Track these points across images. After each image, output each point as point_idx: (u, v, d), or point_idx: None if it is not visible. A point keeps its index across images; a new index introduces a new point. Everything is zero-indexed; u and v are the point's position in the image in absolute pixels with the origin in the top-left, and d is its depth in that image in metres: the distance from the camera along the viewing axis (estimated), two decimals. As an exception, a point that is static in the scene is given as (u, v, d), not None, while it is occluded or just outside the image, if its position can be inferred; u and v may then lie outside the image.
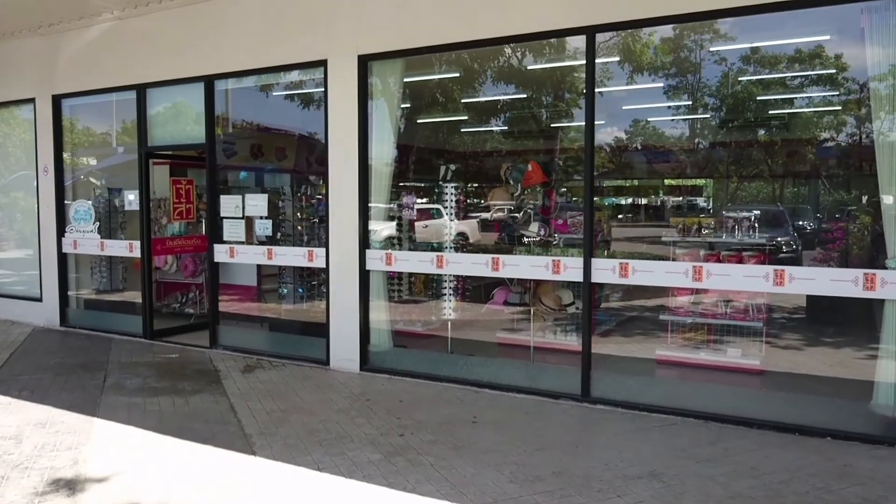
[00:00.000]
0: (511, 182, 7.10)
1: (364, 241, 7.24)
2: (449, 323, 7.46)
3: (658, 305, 7.95)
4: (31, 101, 9.96)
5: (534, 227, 6.87)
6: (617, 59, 7.87)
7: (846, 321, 7.62)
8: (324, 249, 7.53)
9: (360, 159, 7.17)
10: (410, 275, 7.77)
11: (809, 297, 7.33)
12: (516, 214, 6.98)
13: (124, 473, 4.67)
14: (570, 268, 6.16)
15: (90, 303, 10.09)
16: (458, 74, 8.34)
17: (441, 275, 7.30)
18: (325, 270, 7.57)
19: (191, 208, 9.62)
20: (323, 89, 7.39)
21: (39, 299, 10.13)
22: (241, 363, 7.79)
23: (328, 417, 5.88)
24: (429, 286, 7.71)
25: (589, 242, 6.06)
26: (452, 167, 7.37)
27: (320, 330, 7.82)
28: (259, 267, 9.33)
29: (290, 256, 7.80)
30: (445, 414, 5.95)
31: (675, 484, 4.44)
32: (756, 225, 7.08)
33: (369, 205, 7.27)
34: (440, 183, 7.29)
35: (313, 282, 8.39)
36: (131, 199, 9.14)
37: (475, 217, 9.53)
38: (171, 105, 8.81)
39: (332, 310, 7.45)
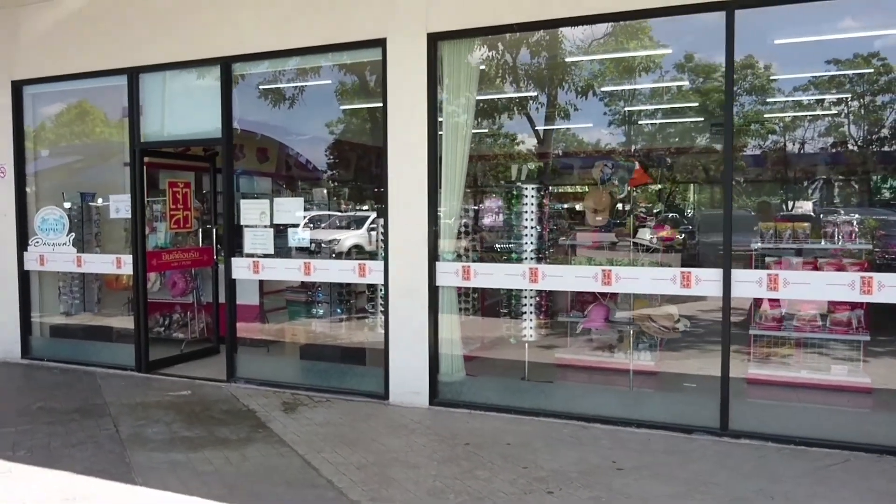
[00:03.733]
0: (617, 183, 6.18)
1: (433, 253, 6.14)
2: (526, 345, 6.44)
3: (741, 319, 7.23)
4: (-17, 87, 8.28)
5: (644, 233, 5.97)
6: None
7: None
8: (380, 263, 6.38)
9: (430, 157, 6.08)
10: (480, 291, 6.71)
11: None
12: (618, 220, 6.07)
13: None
14: (704, 280, 5.30)
15: (59, 330, 8.45)
16: (543, 58, 7.35)
17: (521, 290, 6.27)
18: (380, 288, 6.44)
19: (188, 216, 8.20)
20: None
21: (-7, 326, 8.41)
22: (275, 400, 6.51)
23: (437, 471, 4.76)
24: (501, 303, 6.66)
25: (728, 251, 5.21)
26: (530, 166, 6.38)
27: (372, 357, 6.68)
28: (261, 283, 8.02)
29: (336, 271, 6.60)
30: (574, 459, 4.94)
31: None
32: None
33: (439, 210, 6.19)
34: (518, 184, 6.27)
35: (350, 300, 7.17)
36: (119, 205, 7.64)
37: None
38: (174, 93, 7.40)
39: (393, 334, 6.30)
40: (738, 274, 5.21)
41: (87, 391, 6.90)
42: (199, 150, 8.91)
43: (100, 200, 8.60)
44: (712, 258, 6.87)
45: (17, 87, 8.10)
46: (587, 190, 6.61)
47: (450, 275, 6.11)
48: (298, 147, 10.35)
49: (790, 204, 10.72)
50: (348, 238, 8.67)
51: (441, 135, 6.15)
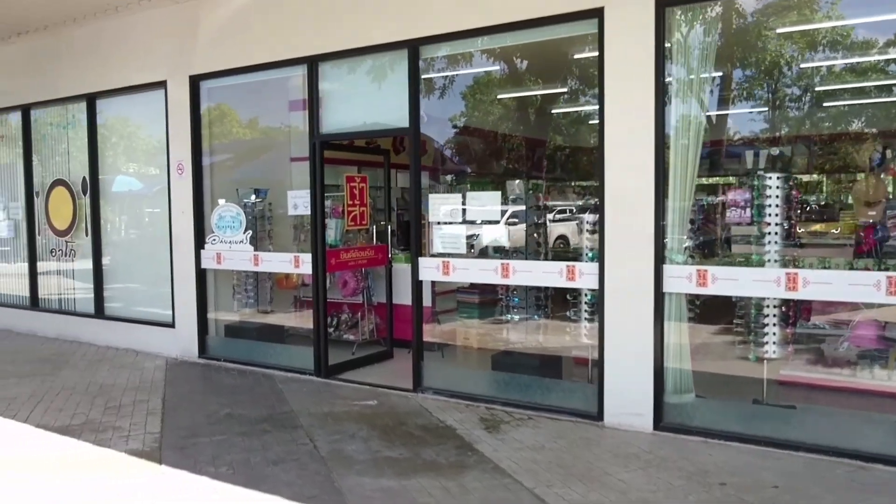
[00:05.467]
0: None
1: (660, 254, 5.29)
2: (765, 363, 5.46)
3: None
4: (162, 84, 8.19)
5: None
6: None
7: None
8: (592, 265, 5.60)
9: (657, 144, 5.23)
10: (708, 298, 5.78)
11: None
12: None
13: None
14: None
15: (234, 329, 8.27)
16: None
17: (762, 298, 5.29)
18: (586, 293, 5.67)
19: (364, 212, 7.77)
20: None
21: (171, 325, 8.34)
22: (470, 415, 5.89)
23: (704, 520, 3.93)
24: (732, 310, 5.69)
25: None
26: (774, 151, 5.38)
27: (577, 371, 5.95)
28: (433, 283, 7.43)
29: (539, 273, 5.87)
30: (874, 513, 3.97)
31: None
32: None
33: (666, 205, 5.32)
34: (760, 173, 5.29)
35: (547, 305, 6.42)
36: (297, 202, 7.28)
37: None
38: (355, 81, 6.93)
39: (609, 346, 5.51)
40: None
41: (271, 397, 6.56)
42: (361, 143, 8.49)
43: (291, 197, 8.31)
44: None
45: (195, 82, 7.95)
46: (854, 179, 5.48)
47: (680, 280, 5.23)
48: (463, 137, 9.74)
49: None
50: (486, 233, 7.88)
51: (670, 118, 5.28)
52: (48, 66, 9.38)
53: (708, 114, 5.43)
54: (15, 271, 10.50)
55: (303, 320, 8.58)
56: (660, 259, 5.28)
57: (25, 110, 9.88)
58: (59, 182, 9.58)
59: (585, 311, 6.00)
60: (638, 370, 5.37)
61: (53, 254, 9.86)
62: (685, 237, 5.36)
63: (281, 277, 8.39)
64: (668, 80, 5.27)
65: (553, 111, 8.27)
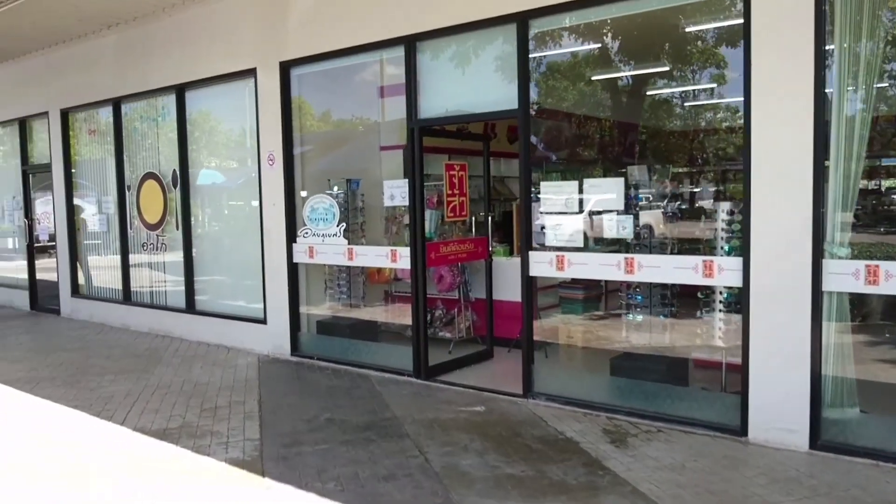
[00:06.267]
0: None
1: (818, 247, 4.58)
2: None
3: None
4: (251, 72, 7.91)
5: None
6: None
7: None
8: (734, 260, 4.94)
9: (816, 120, 4.52)
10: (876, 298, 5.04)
11: None
12: None
13: None
14: None
15: (326, 326, 7.94)
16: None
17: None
18: (721, 290, 5.01)
19: (464, 202, 7.28)
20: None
21: (263, 321, 8.08)
22: (591, 426, 5.33)
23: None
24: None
25: None
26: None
27: (711, 377, 5.33)
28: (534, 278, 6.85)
29: (668, 269, 5.23)
30: None
31: None
32: None
33: (826, 190, 4.61)
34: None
35: (673, 303, 5.76)
36: (395, 192, 6.86)
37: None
38: (457, 61, 6.43)
39: (755, 352, 4.84)
40: None
41: (371, 401, 6.17)
42: (451, 129, 7.98)
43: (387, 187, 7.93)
44: None
45: (285, 69, 7.62)
46: None
47: (844, 277, 4.51)
48: (567, 121, 9.08)
49: None
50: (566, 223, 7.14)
51: (832, 84, 4.56)
52: (138, 59, 9.28)
53: (880, 84, 4.65)
54: (107, 265, 10.53)
55: (395, 316, 8.20)
56: (818, 252, 4.57)
57: (116, 103, 9.83)
58: (149, 175, 9.49)
59: (721, 310, 5.34)
60: (791, 380, 4.68)
61: (145, 247, 9.80)
62: (850, 229, 4.63)
63: (373, 271, 8.02)
64: (827, 47, 4.54)
65: (671, 93, 7.56)
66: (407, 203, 6.71)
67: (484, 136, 8.23)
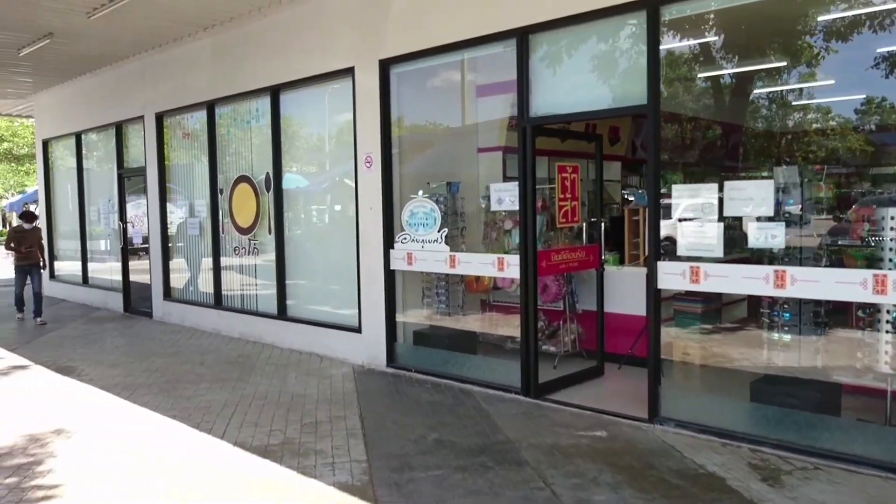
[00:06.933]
0: None
1: None
2: None
3: None
4: (349, 71, 7.62)
5: None
6: None
7: None
8: (914, 274, 4.27)
9: None
10: None
11: None
12: None
13: None
14: None
15: (423, 336, 7.55)
16: None
17: None
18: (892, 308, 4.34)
19: (576, 207, 6.77)
20: None
21: (358, 330, 7.77)
22: (733, 459, 4.72)
23: None
24: None
25: None
26: None
27: (870, 406, 4.64)
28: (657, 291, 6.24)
29: (829, 284, 4.57)
30: None
31: None
32: None
33: None
34: None
35: (826, 322, 5.08)
36: (503, 195, 6.41)
37: None
38: (575, 53, 5.93)
39: (941, 383, 4.15)
40: None
41: (479, 420, 5.73)
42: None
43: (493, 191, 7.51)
44: None
45: (385, 67, 7.29)
46: None
47: None
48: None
49: None
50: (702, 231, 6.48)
51: None
52: (233, 61, 9.17)
53: None
54: (200, 269, 10.49)
55: (495, 327, 7.76)
56: None
57: (210, 106, 9.76)
58: (242, 178, 9.36)
59: (889, 331, 4.65)
60: None
61: (237, 251, 9.68)
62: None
63: (471, 280, 7.59)
64: None
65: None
66: (516, 208, 6.24)
67: (596, 135, 7.68)
